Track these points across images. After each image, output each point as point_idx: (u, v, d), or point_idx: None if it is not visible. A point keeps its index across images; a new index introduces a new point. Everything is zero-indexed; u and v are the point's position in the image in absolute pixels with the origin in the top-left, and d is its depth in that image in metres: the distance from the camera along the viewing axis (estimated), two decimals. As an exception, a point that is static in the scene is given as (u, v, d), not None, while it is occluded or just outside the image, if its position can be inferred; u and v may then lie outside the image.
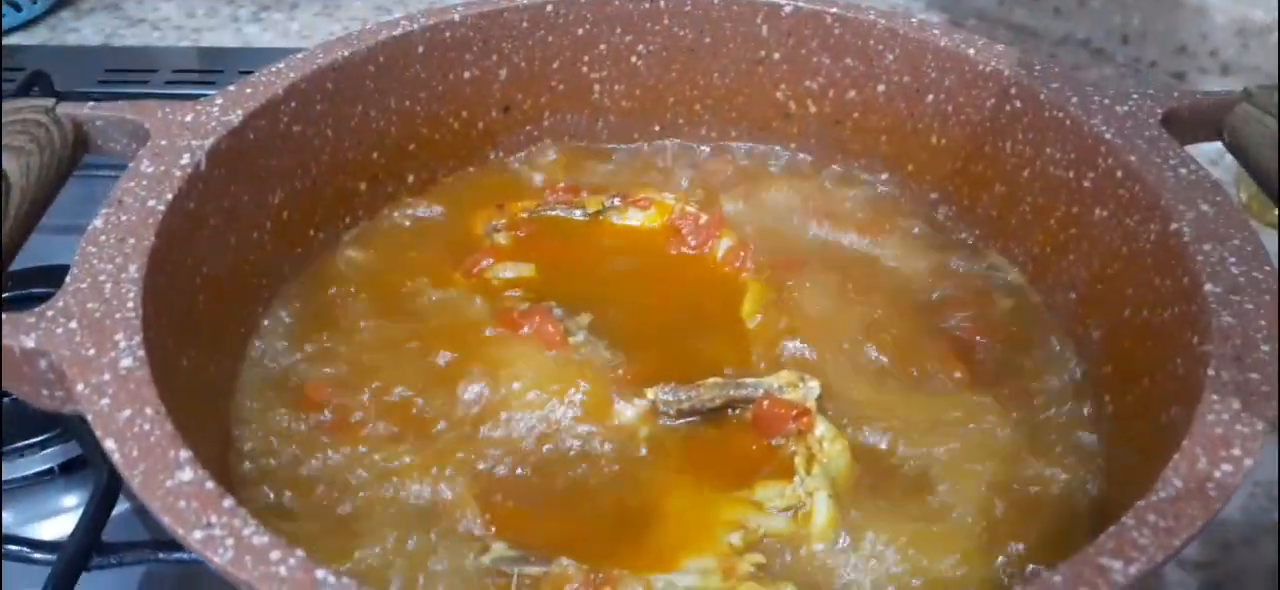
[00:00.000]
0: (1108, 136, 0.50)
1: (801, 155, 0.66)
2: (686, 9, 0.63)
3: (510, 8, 0.61)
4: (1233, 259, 0.43)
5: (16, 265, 0.45)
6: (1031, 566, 0.42)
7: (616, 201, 0.61)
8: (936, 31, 0.59)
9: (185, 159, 0.47)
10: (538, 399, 0.48)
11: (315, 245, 0.57)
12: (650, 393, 0.49)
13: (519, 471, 0.46)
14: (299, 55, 0.55)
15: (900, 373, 0.51)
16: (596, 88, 0.65)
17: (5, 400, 0.41)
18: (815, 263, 0.57)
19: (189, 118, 0.50)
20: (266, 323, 0.53)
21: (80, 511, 0.49)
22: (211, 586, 0.32)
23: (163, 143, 0.48)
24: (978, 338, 0.53)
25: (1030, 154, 0.55)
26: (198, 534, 0.32)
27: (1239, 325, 0.40)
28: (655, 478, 0.46)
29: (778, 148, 0.67)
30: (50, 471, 0.57)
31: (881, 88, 0.62)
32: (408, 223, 0.61)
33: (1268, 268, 0.42)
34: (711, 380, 0.49)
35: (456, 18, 0.60)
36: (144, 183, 0.46)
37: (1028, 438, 0.47)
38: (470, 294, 0.55)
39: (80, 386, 0.36)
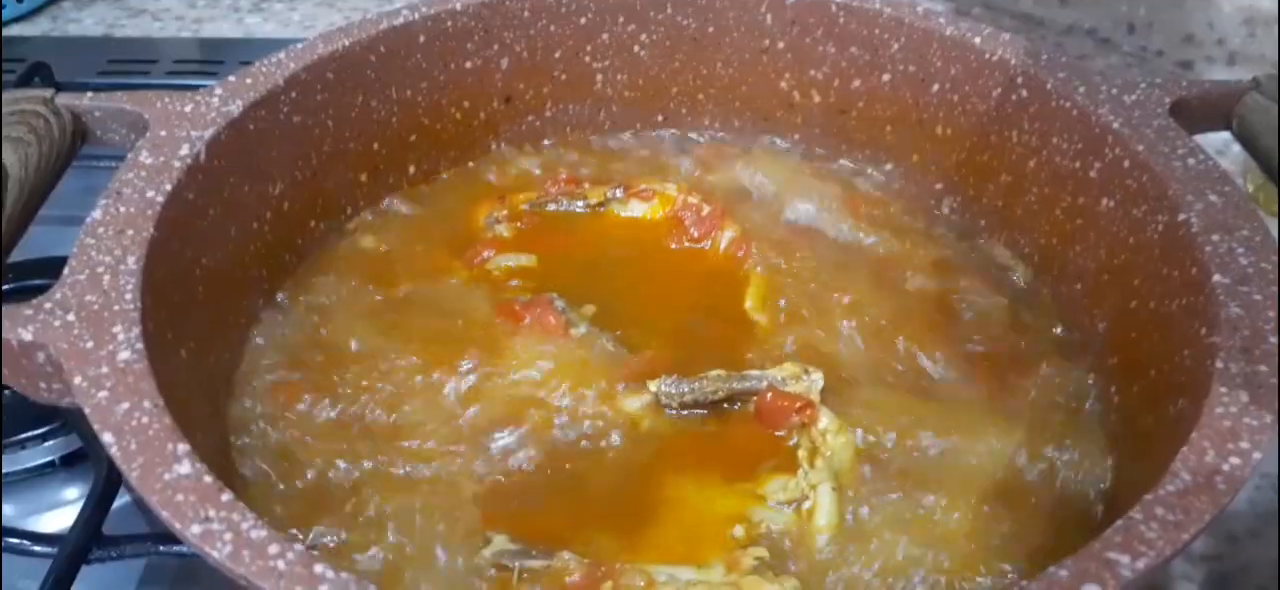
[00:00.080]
0: (1115, 126, 0.50)
1: (805, 146, 0.66)
2: (690, -2, 0.63)
3: (512, -3, 0.61)
4: (1241, 250, 0.42)
5: (15, 257, 0.45)
6: (1037, 560, 0.42)
7: (619, 193, 0.61)
8: (942, 20, 0.59)
9: (185, 150, 0.47)
10: (539, 391, 0.48)
11: (316, 236, 0.57)
12: (652, 385, 0.48)
13: (521, 464, 0.46)
14: (299, 45, 0.55)
15: (905, 364, 0.51)
16: (599, 78, 0.65)
17: (5, 393, 0.40)
18: (819, 254, 0.57)
19: (188, 108, 0.50)
20: (267, 314, 0.53)
21: (81, 504, 0.49)
22: (213, 579, 0.32)
23: (162, 134, 0.48)
24: (982, 330, 0.53)
25: (1036, 144, 0.55)
26: (196, 528, 0.32)
27: (1247, 317, 0.40)
28: (658, 471, 0.46)
29: (782, 138, 0.66)
30: (51, 464, 0.56)
31: (886, 77, 0.61)
32: (409, 214, 0.61)
33: (1276, 259, 0.42)
34: (714, 373, 0.49)
35: (458, 7, 0.59)
36: (143, 174, 0.45)
37: (1033, 430, 0.47)
38: (472, 286, 0.55)
39: (78, 379, 0.36)
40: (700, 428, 0.48)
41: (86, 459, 0.56)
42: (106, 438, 0.34)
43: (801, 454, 0.46)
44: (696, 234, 0.59)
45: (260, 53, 0.54)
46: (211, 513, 0.32)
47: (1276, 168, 0.47)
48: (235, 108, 0.50)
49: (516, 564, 0.41)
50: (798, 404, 0.47)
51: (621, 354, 0.50)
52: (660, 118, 0.67)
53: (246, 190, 0.51)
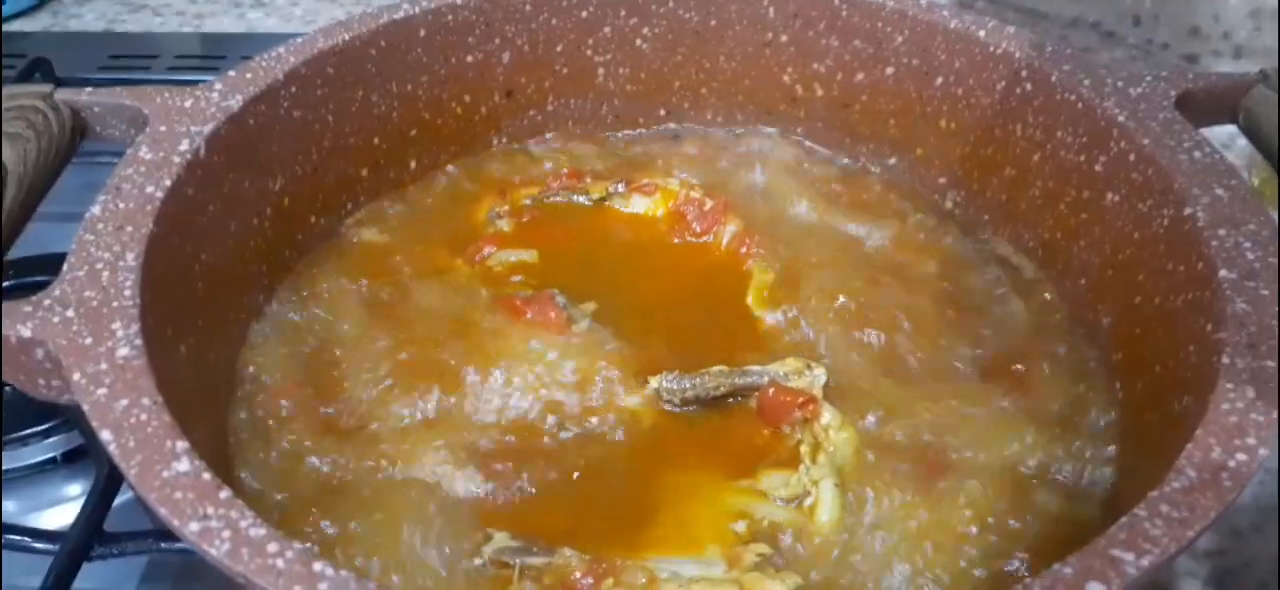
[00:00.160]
0: (1120, 119, 0.49)
1: (808, 140, 0.65)
2: (692, -9, 0.62)
3: (513, -10, 0.60)
4: (1248, 244, 0.42)
5: (15, 253, 0.45)
6: (1041, 557, 0.41)
7: (620, 187, 0.60)
8: (946, 13, 0.58)
9: (184, 145, 0.47)
10: (540, 387, 0.48)
11: (316, 232, 0.57)
12: (654, 381, 0.48)
13: (522, 460, 0.46)
14: (299, 39, 0.55)
15: (908, 360, 0.50)
16: (601, 71, 0.64)
17: (6, 390, 0.40)
18: (822, 249, 0.57)
19: (188, 103, 0.49)
20: (267, 310, 0.53)
21: (82, 501, 0.48)
22: (215, 576, 0.32)
23: (161, 129, 0.48)
24: (986, 325, 0.53)
25: (1041, 137, 0.54)
26: (194, 526, 0.32)
27: (1254, 312, 0.39)
28: (659, 467, 0.46)
29: (785, 132, 0.66)
30: (52, 460, 0.56)
31: (890, 70, 0.61)
32: (410, 209, 0.60)
33: (1283, 253, 0.41)
34: (716, 368, 0.49)
35: (459, 1, 0.59)
36: (142, 169, 0.45)
37: (1037, 426, 0.47)
38: (473, 281, 0.55)
39: (77, 376, 0.36)
40: (702, 424, 0.48)
41: (88, 455, 0.56)
42: (105, 435, 0.34)
43: (804, 450, 0.46)
44: (698, 229, 0.58)
45: (262, 47, 0.54)
46: (210, 510, 0.32)
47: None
48: (235, 103, 0.50)
49: (517, 561, 0.41)
50: (800, 400, 0.47)
51: (623, 350, 0.50)
52: (662, 112, 0.66)
53: (246, 186, 0.51)
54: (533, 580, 0.41)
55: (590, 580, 0.40)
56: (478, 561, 0.42)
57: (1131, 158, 0.49)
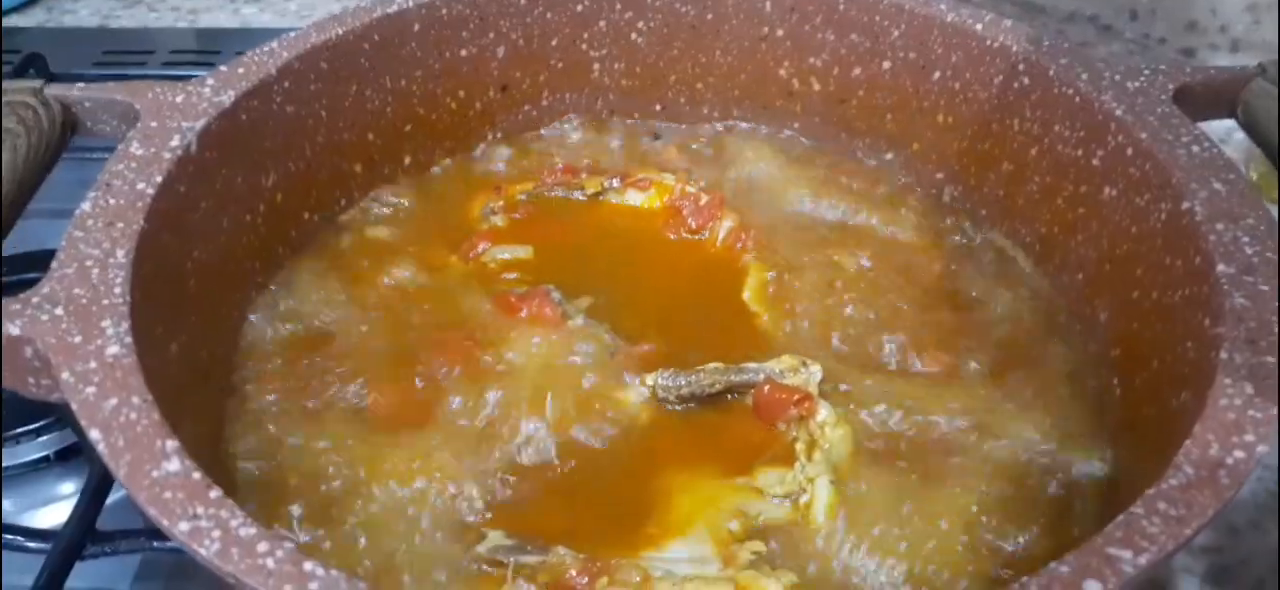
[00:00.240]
0: (1118, 113, 0.49)
1: (805, 134, 0.65)
2: (688, -16, 0.62)
3: (507, -16, 0.60)
4: (1246, 239, 0.42)
5: (6, 250, 0.45)
6: (1038, 554, 0.41)
7: (615, 182, 0.60)
8: (943, 6, 0.58)
9: (176, 141, 0.47)
10: (535, 384, 0.48)
11: (310, 228, 0.57)
12: (649, 378, 0.48)
13: (516, 458, 0.45)
14: (292, 34, 0.54)
15: (905, 356, 0.50)
16: (596, 66, 0.64)
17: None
18: (819, 244, 0.57)
19: (180, 99, 0.49)
20: (260, 307, 0.52)
21: (75, 499, 0.48)
22: (208, 575, 0.32)
23: (153, 124, 0.48)
24: (983, 320, 0.52)
25: (1038, 132, 0.54)
26: (184, 526, 0.31)
27: (1252, 307, 0.39)
28: (654, 464, 0.46)
29: (781, 127, 0.65)
30: (45, 459, 0.56)
31: (887, 64, 0.61)
32: (404, 205, 0.60)
33: (1282, 247, 0.41)
34: (712, 365, 0.48)
35: (453, -6, 0.59)
36: (133, 165, 0.45)
37: (1034, 422, 0.46)
38: (467, 277, 0.55)
39: (65, 374, 0.36)
40: (697, 421, 0.48)
41: (81, 453, 0.56)
42: (94, 434, 0.34)
43: (799, 447, 0.45)
44: (694, 224, 0.58)
45: (257, 43, 0.54)
46: (200, 510, 0.32)
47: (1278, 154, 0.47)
48: (227, 98, 0.50)
49: (511, 559, 0.41)
50: (796, 397, 0.46)
51: (618, 346, 0.50)
52: (658, 106, 0.66)
53: (239, 182, 0.51)
54: (527, 579, 0.41)
55: (584, 579, 0.40)
56: (471, 560, 0.41)
57: (1129, 152, 0.48)
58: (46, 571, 0.46)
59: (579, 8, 0.62)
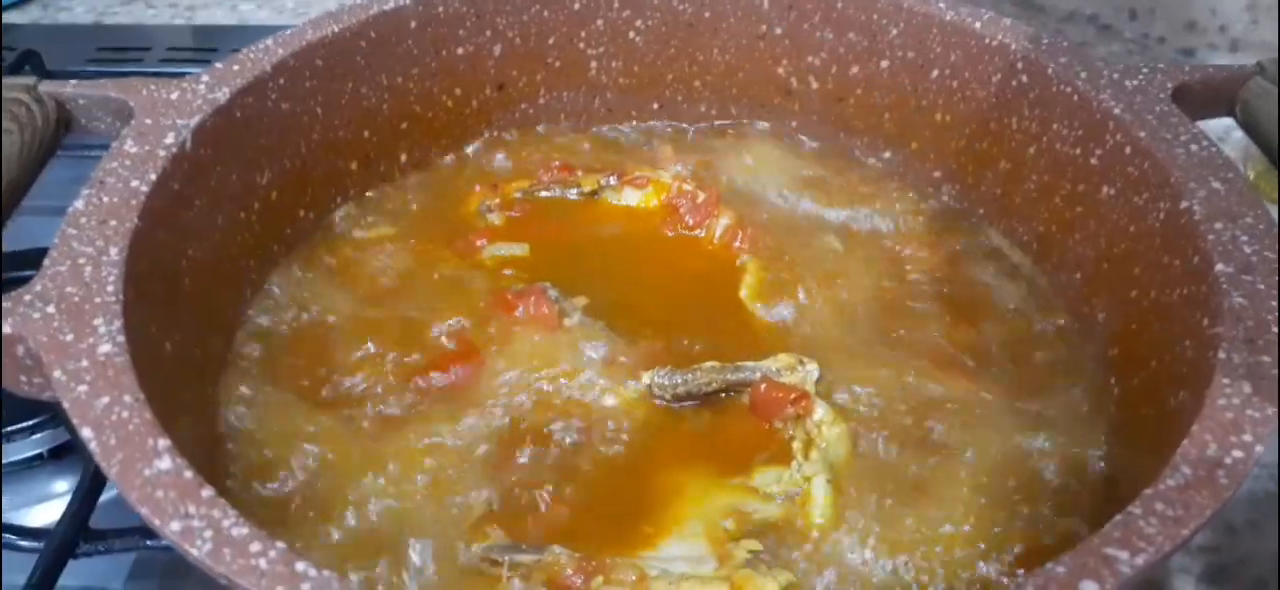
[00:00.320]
0: (1116, 112, 0.49)
1: (803, 133, 0.65)
2: (685, -18, 0.62)
3: (504, -19, 0.60)
4: (1245, 238, 0.41)
5: (-1, 248, 0.45)
6: (1035, 554, 0.41)
7: (612, 180, 0.60)
8: (942, 4, 0.58)
9: (170, 138, 0.46)
10: (531, 382, 0.48)
11: (305, 226, 0.56)
12: (646, 377, 0.48)
13: (512, 456, 0.45)
14: (288, 31, 0.54)
15: (902, 355, 0.50)
16: (593, 64, 0.64)
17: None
18: (815, 243, 0.56)
19: (174, 96, 0.49)
20: (255, 306, 0.52)
21: (69, 497, 0.48)
22: (202, 574, 0.32)
23: (147, 122, 0.47)
24: (980, 319, 0.52)
25: (1036, 130, 0.54)
26: (175, 525, 0.31)
27: (1251, 306, 0.39)
28: (650, 463, 0.45)
29: (779, 125, 0.65)
30: (39, 456, 0.56)
31: (885, 63, 0.60)
32: (400, 203, 0.60)
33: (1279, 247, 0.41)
34: (708, 363, 0.48)
35: (449, -9, 0.59)
36: (127, 163, 0.45)
37: (1031, 422, 0.46)
38: (463, 275, 0.54)
39: (57, 373, 0.35)
40: (694, 419, 0.47)
41: (75, 451, 0.55)
42: (85, 432, 0.34)
43: (796, 446, 0.45)
44: (691, 222, 0.58)
45: (254, 40, 0.53)
46: (192, 509, 0.32)
47: (1278, 153, 0.46)
48: (222, 95, 0.49)
49: (506, 558, 0.41)
50: (792, 395, 0.46)
51: (615, 344, 0.50)
52: (655, 105, 0.66)
53: (234, 179, 0.51)
54: (522, 578, 0.40)
55: (580, 578, 0.40)
56: (467, 559, 0.41)
57: (1128, 151, 0.48)
58: (39, 570, 0.45)
59: (576, 6, 0.62)
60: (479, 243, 0.56)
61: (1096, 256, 0.51)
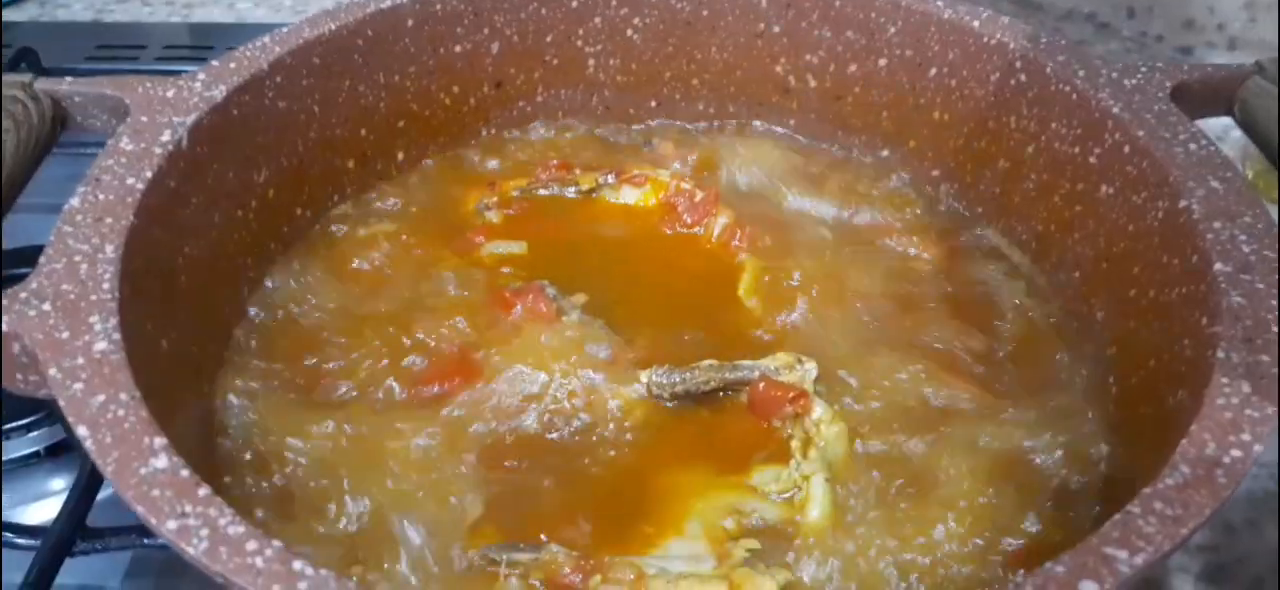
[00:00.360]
0: (1115, 111, 0.49)
1: (801, 131, 0.65)
2: (684, -20, 0.62)
3: (502, -21, 0.60)
4: (1243, 237, 0.41)
5: (-5, 246, 0.44)
6: (1034, 554, 0.41)
7: (610, 179, 0.60)
8: (940, 3, 0.58)
9: (166, 136, 0.46)
10: (529, 381, 0.47)
11: (302, 224, 0.56)
12: (644, 375, 0.48)
13: (509, 456, 0.45)
14: (285, 29, 0.54)
15: (901, 354, 0.50)
16: (591, 62, 0.64)
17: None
18: (813, 241, 0.56)
19: (170, 93, 0.49)
20: (252, 304, 0.52)
21: (65, 495, 0.48)
22: (199, 572, 0.32)
23: (143, 119, 0.47)
24: (979, 318, 0.52)
25: (1035, 129, 0.54)
26: (171, 524, 0.31)
27: (1249, 306, 0.39)
28: (649, 462, 0.45)
29: (777, 124, 0.65)
30: (36, 454, 0.56)
31: (883, 62, 0.60)
32: (398, 201, 0.60)
33: (1278, 246, 0.41)
34: (707, 362, 0.48)
35: (448, -10, 0.59)
36: (123, 160, 0.45)
37: (1030, 420, 0.46)
38: (462, 273, 0.54)
39: (53, 371, 0.35)
40: (692, 418, 0.47)
41: (72, 449, 0.55)
42: (81, 430, 0.34)
43: (794, 445, 0.45)
44: (689, 220, 0.58)
45: (251, 38, 0.53)
46: (188, 508, 0.32)
47: (1277, 152, 0.46)
48: (218, 93, 0.49)
49: (504, 557, 0.41)
50: (791, 394, 0.46)
51: (613, 342, 0.50)
52: (653, 103, 0.66)
53: (230, 177, 0.51)
54: (520, 577, 0.40)
55: (578, 577, 0.40)
56: (464, 558, 0.41)
57: (1126, 150, 0.48)
58: (36, 568, 0.45)
59: (574, 4, 0.62)
60: (477, 241, 0.56)
61: (1095, 255, 0.51)
